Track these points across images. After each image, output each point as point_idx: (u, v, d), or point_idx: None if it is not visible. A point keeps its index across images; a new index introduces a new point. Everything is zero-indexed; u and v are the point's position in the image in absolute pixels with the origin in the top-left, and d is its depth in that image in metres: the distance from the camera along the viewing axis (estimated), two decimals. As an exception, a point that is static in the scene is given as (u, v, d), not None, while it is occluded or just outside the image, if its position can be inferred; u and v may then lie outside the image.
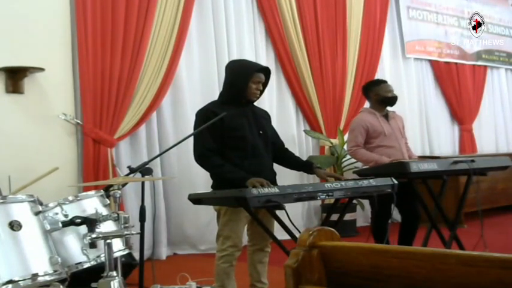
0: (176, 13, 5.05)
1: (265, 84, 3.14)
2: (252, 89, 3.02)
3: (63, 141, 4.55)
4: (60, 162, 4.50)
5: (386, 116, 4.14)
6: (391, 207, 3.57)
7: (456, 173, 3.93)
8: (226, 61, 5.36)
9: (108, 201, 3.06)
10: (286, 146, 3.34)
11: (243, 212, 2.88)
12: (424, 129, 7.44)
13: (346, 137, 5.87)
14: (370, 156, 3.96)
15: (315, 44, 6.11)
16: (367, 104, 4.43)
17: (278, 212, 2.88)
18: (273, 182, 3.05)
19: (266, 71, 3.13)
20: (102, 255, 2.63)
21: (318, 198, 2.90)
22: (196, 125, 3.03)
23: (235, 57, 5.42)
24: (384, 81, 4.30)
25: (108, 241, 2.55)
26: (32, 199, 2.71)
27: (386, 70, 7.00)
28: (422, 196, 3.82)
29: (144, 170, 3.23)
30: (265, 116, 3.23)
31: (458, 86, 7.82)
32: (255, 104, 3.23)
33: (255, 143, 3.01)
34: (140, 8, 4.81)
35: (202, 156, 2.97)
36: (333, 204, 3.66)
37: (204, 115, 3.01)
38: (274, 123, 5.74)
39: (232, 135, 2.96)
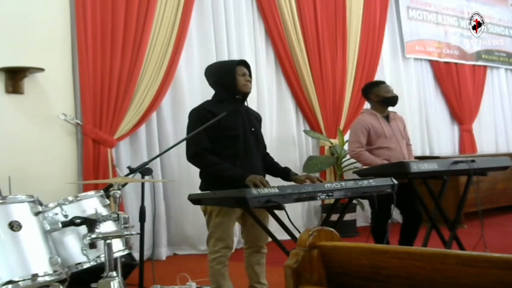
0: (176, 13, 5.05)
1: (250, 77, 3.12)
2: (242, 81, 3.02)
3: (63, 142, 4.55)
4: (60, 163, 4.51)
5: (387, 117, 4.14)
6: (391, 208, 3.57)
7: (456, 173, 3.92)
8: (226, 61, 5.38)
9: (108, 202, 3.06)
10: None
11: (234, 212, 2.90)
12: (424, 129, 7.44)
13: (346, 137, 5.90)
14: (374, 161, 3.94)
15: (315, 44, 6.11)
16: (367, 105, 4.41)
17: (278, 212, 2.88)
18: None
19: (245, 64, 3.10)
20: (102, 255, 2.63)
21: (318, 198, 2.89)
22: (191, 124, 3.01)
23: (235, 57, 5.42)
24: (383, 82, 4.30)
25: (108, 241, 2.54)
26: (31, 199, 2.71)
27: (386, 70, 7.01)
28: (422, 196, 3.82)
29: (144, 170, 3.22)
30: (257, 118, 3.23)
31: (458, 86, 7.83)
32: (250, 106, 3.23)
33: (247, 142, 3.00)
34: (140, 8, 4.81)
35: (197, 155, 2.95)
36: (333, 204, 3.66)
37: (199, 114, 2.99)
38: (274, 123, 5.81)
39: (226, 134, 2.96)
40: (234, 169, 2.89)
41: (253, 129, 3.07)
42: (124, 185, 3.29)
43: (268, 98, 5.78)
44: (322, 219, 4.97)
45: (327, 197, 2.89)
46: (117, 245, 2.87)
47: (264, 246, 3.09)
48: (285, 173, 3.18)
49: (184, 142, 3.08)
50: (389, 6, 7.08)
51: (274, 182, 3.13)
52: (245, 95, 3.08)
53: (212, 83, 3.12)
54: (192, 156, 2.97)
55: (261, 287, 3.09)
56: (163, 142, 5.06)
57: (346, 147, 5.59)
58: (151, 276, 3.57)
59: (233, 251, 2.98)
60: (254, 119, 3.15)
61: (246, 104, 3.13)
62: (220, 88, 3.07)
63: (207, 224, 3.01)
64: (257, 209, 2.86)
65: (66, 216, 2.81)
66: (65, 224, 2.74)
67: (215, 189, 2.81)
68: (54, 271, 2.58)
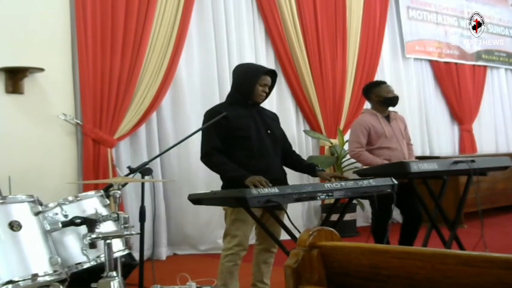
0: (176, 13, 5.05)
1: (271, 87, 3.18)
2: (259, 91, 3.07)
3: (63, 141, 4.55)
4: (60, 163, 4.51)
5: (388, 117, 4.13)
6: (391, 208, 3.57)
7: (456, 173, 3.92)
8: (226, 61, 5.39)
9: (108, 202, 3.06)
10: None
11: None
12: (424, 129, 7.44)
13: (346, 137, 5.89)
14: (374, 161, 3.93)
15: (315, 44, 6.11)
16: (367, 105, 4.40)
17: (278, 212, 2.89)
18: (283, 182, 3.06)
19: (273, 74, 3.17)
20: (102, 255, 2.63)
21: (318, 198, 2.90)
22: (203, 125, 3.06)
23: (235, 57, 5.43)
24: (384, 82, 4.30)
25: (108, 241, 2.54)
26: (31, 199, 2.71)
27: (386, 70, 7.00)
28: (422, 196, 3.82)
29: (144, 170, 3.23)
30: (272, 117, 3.27)
31: (458, 86, 7.82)
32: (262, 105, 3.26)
33: (262, 142, 3.02)
34: (140, 8, 4.81)
35: (206, 155, 3.00)
36: (333, 204, 3.66)
37: (210, 116, 3.04)
38: (275, 123, 5.78)
39: (237, 135, 2.99)
40: (238, 170, 2.90)
41: (269, 131, 3.09)
42: (124, 185, 3.29)
43: (268, 97, 5.76)
44: (322, 219, 4.96)
45: (327, 197, 2.89)
46: (117, 245, 2.87)
47: (275, 245, 3.08)
48: (310, 169, 3.22)
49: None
50: (390, 6, 7.08)
51: (294, 177, 3.12)
52: (257, 102, 3.13)
53: (232, 83, 3.18)
54: (203, 156, 3.03)
55: (263, 287, 3.09)
56: (163, 142, 5.06)
57: (346, 147, 5.58)
58: (151, 276, 3.57)
59: (247, 251, 2.96)
60: (270, 120, 3.19)
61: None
62: (236, 90, 3.12)
63: (225, 221, 3.04)
64: (272, 220, 2.88)
65: (66, 216, 2.81)
66: (65, 224, 2.74)
67: (233, 188, 2.82)
68: (54, 271, 2.59)
